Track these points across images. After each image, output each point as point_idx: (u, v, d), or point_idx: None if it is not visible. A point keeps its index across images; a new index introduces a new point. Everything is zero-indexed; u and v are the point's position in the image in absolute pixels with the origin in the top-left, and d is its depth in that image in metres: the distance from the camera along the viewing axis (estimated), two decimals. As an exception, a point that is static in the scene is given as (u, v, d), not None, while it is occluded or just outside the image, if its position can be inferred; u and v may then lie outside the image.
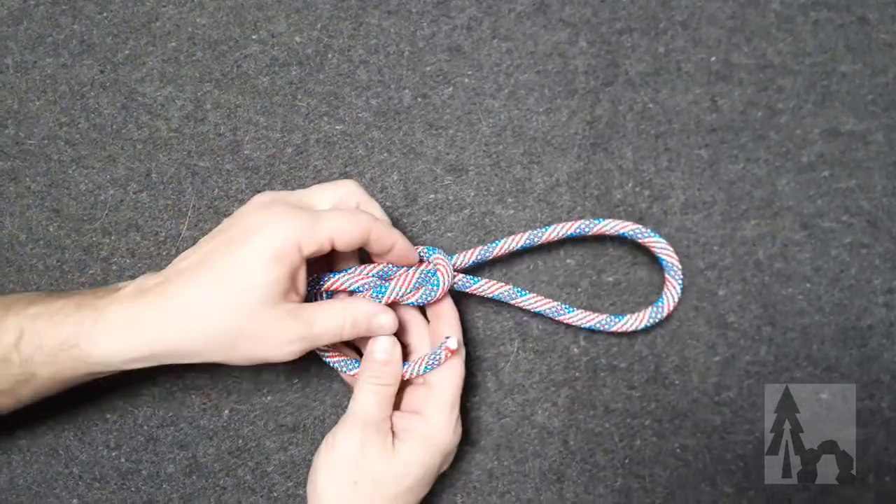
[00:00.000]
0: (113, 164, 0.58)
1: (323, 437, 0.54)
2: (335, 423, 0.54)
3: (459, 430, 0.50)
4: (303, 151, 0.58)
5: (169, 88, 0.59)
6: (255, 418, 0.56)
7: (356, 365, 0.50)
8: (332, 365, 0.51)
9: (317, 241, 0.44)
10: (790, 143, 0.58)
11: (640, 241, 0.53)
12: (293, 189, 0.50)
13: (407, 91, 0.59)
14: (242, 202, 0.55)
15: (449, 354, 0.48)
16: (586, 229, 0.53)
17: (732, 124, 0.58)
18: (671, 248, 0.54)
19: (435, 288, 0.50)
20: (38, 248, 0.57)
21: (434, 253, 0.51)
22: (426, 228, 0.58)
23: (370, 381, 0.48)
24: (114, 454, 0.55)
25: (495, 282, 0.53)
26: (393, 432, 0.48)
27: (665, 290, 0.54)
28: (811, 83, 0.59)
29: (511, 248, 0.53)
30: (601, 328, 0.54)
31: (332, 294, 0.50)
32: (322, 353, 0.51)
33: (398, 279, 0.49)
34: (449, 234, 0.57)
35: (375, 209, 0.50)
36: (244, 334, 0.43)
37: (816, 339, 0.56)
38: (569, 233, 0.53)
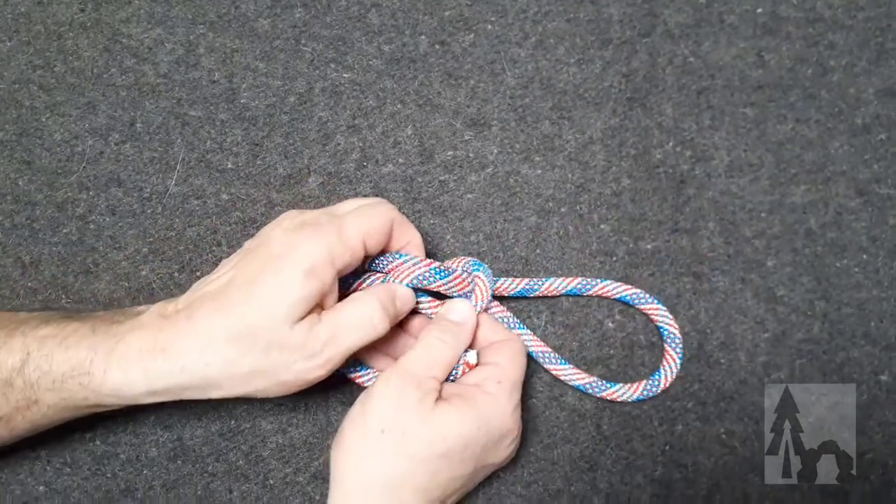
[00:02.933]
0: (92, 111, 0.63)
1: (326, 418, 0.59)
2: (339, 401, 0.59)
3: (519, 422, 0.53)
4: (306, 101, 0.64)
5: (158, 30, 0.65)
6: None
7: (365, 370, 0.57)
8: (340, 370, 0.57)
9: (348, 248, 0.49)
10: (843, 104, 0.65)
11: (638, 307, 0.61)
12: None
13: (423, 37, 0.65)
14: (238, 155, 0.61)
15: (467, 369, 0.54)
16: (584, 288, 0.60)
17: (780, 82, 0.65)
18: (671, 317, 0.60)
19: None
20: (6, 203, 0.62)
21: (478, 269, 0.56)
22: (443, 189, 0.63)
23: (432, 335, 0.52)
24: (87, 436, 0.59)
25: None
26: (441, 397, 0.51)
27: (663, 362, 0.60)
28: (865, 39, 0.66)
29: (556, 290, 0.60)
30: (589, 391, 0.60)
31: None
32: None
33: (440, 284, 0.55)
34: (469, 196, 0.63)
35: (409, 226, 0.55)
36: (267, 358, 0.47)
37: (874, 315, 0.62)
38: (567, 290, 0.60)
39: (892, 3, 0.66)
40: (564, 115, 0.64)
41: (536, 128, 0.64)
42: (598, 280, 0.60)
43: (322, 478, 0.59)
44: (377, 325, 0.50)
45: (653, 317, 0.60)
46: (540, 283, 0.60)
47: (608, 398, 0.60)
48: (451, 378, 0.54)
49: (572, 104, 0.64)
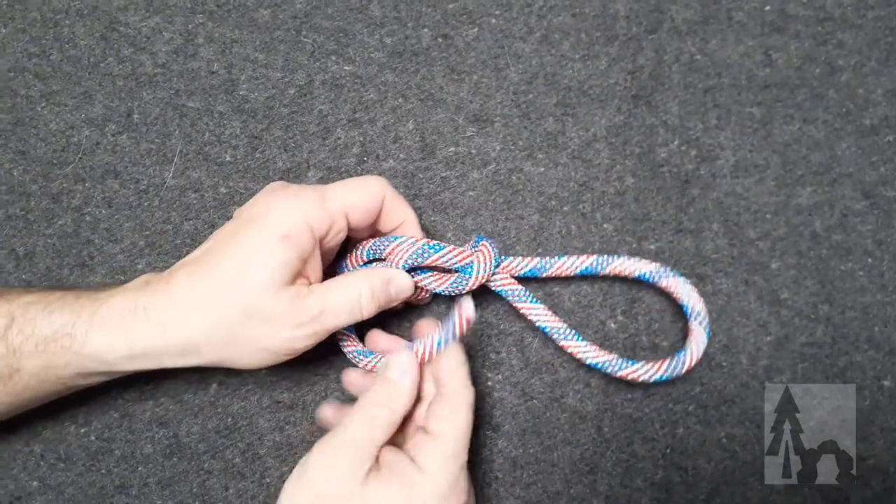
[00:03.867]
0: (89, 101, 0.62)
1: (324, 416, 0.59)
2: (338, 399, 0.59)
3: (465, 486, 0.49)
4: (306, 94, 0.63)
5: (156, 19, 0.64)
6: (248, 393, 0.60)
7: (372, 356, 0.55)
8: (348, 355, 0.56)
9: (329, 215, 0.49)
10: (851, 104, 0.64)
11: (659, 284, 0.57)
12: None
13: (426, 30, 0.64)
14: (236, 148, 0.60)
15: (465, 323, 0.51)
16: (600, 267, 0.57)
17: (788, 81, 0.65)
18: (695, 291, 0.57)
19: (468, 277, 0.54)
20: (0, 194, 0.61)
21: (483, 238, 0.55)
22: (445, 185, 0.62)
23: (367, 400, 0.49)
24: (82, 431, 0.59)
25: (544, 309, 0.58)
26: (377, 467, 0.48)
27: (689, 339, 0.57)
28: (874, 39, 0.65)
29: (570, 269, 0.57)
30: (607, 369, 0.57)
31: None
32: (340, 341, 0.56)
33: (437, 257, 0.54)
34: (470, 193, 0.62)
35: (403, 205, 0.54)
36: (249, 323, 0.47)
37: (878, 319, 0.62)
38: (581, 269, 0.57)
39: (903, 2, 0.65)
40: (568, 112, 0.63)
41: (540, 124, 0.63)
42: (615, 256, 0.57)
43: (319, 477, 0.58)
44: (364, 309, 0.50)
45: (675, 294, 0.57)
46: (551, 262, 0.57)
47: (627, 378, 0.57)
48: (450, 337, 0.51)
49: (577, 101, 0.63)
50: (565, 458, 0.60)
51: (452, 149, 0.62)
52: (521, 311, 0.58)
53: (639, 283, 0.61)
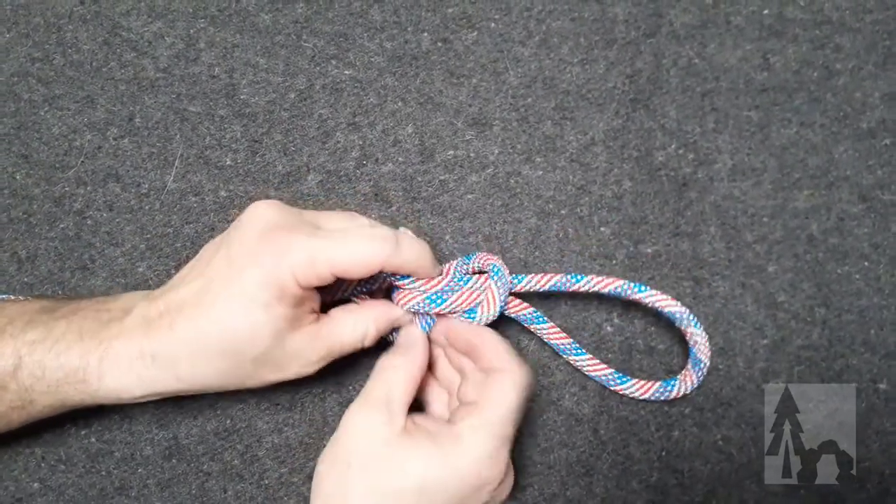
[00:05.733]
0: (91, 105, 0.62)
1: (323, 418, 0.59)
2: (336, 401, 0.59)
3: (503, 463, 0.48)
4: (307, 98, 0.63)
5: (158, 24, 0.64)
6: (246, 396, 0.59)
7: None
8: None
9: (315, 275, 0.46)
10: (848, 108, 0.64)
11: (679, 325, 0.56)
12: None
13: (426, 34, 0.64)
14: (237, 152, 0.60)
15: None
16: (626, 292, 0.55)
17: (785, 85, 0.64)
18: (708, 347, 0.57)
19: (471, 315, 0.54)
20: (3, 197, 0.61)
21: (495, 276, 0.54)
22: (443, 188, 0.62)
23: (386, 363, 0.51)
24: (82, 433, 0.59)
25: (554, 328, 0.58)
26: (409, 430, 0.48)
27: (682, 376, 0.58)
28: (872, 42, 0.65)
29: (590, 287, 0.55)
30: (611, 384, 0.58)
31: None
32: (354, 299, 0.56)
33: (441, 309, 0.54)
34: (469, 196, 0.62)
35: (412, 260, 0.51)
36: (259, 366, 0.48)
37: (875, 322, 0.61)
38: (605, 290, 0.55)
39: (901, 6, 0.65)
40: (567, 116, 0.63)
41: (538, 128, 0.63)
42: (638, 286, 0.55)
43: (317, 478, 0.58)
44: (367, 342, 0.52)
45: (690, 341, 0.57)
46: (569, 282, 0.55)
47: (619, 392, 0.59)
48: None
49: (575, 105, 0.63)
50: (562, 461, 0.59)
51: (451, 152, 0.62)
52: (531, 330, 0.59)
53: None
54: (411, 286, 0.53)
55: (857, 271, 0.62)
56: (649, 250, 0.62)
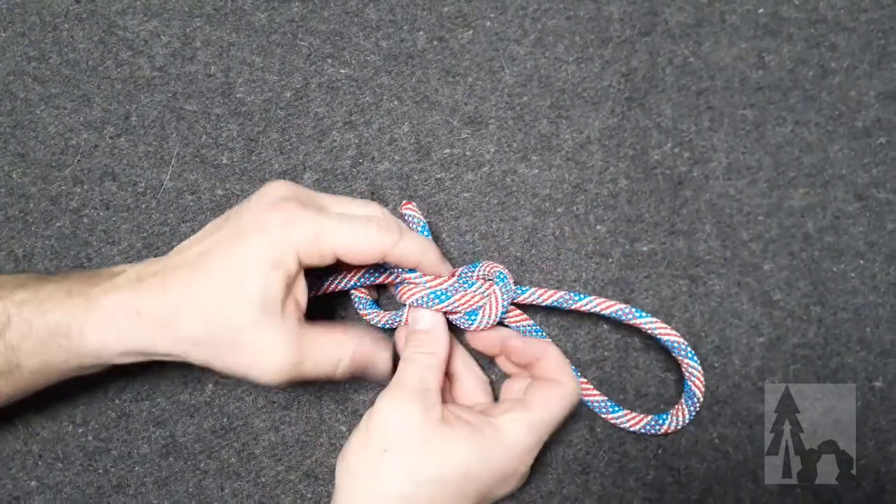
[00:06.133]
0: (87, 104, 0.63)
1: (319, 416, 0.59)
2: (333, 399, 0.59)
3: (530, 463, 0.51)
4: (303, 96, 0.63)
5: (154, 22, 0.64)
6: (243, 394, 0.60)
7: (374, 307, 0.57)
8: (354, 302, 0.57)
9: (318, 253, 0.48)
10: (843, 106, 0.64)
11: (676, 356, 0.56)
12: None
13: (421, 33, 0.64)
14: (233, 151, 0.60)
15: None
16: (627, 316, 0.54)
17: (780, 83, 0.64)
18: (701, 380, 0.56)
19: (472, 317, 0.55)
20: (0, 196, 0.62)
21: (500, 283, 0.54)
22: (439, 187, 0.62)
23: (410, 350, 0.52)
24: (80, 431, 0.59)
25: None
26: (447, 419, 0.49)
27: (674, 412, 0.57)
28: (867, 41, 0.65)
29: (590, 307, 0.55)
30: (600, 411, 0.58)
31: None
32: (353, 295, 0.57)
33: (444, 306, 0.54)
34: (465, 194, 0.62)
35: (415, 250, 0.52)
36: (236, 343, 0.47)
37: (870, 320, 0.62)
38: (606, 312, 0.55)
39: (895, 4, 0.65)
40: (562, 115, 0.63)
41: (534, 126, 0.63)
42: (640, 312, 0.55)
43: (314, 476, 0.59)
44: (339, 372, 0.51)
45: (685, 372, 0.56)
46: (573, 299, 0.55)
47: (609, 421, 0.59)
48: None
49: (571, 103, 0.63)
50: (558, 459, 0.60)
51: (447, 151, 0.62)
52: None
53: (630, 285, 0.61)
54: (417, 280, 0.54)
55: (853, 269, 0.62)
56: (645, 248, 0.62)
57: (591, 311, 0.55)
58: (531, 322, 0.57)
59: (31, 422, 0.59)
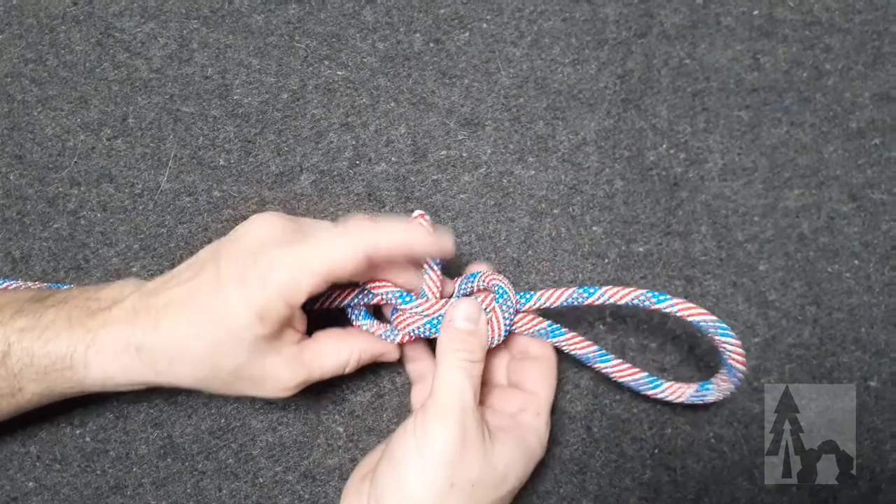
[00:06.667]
0: (84, 106, 0.63)
1: (317, 417, 0.59)
2: (330, 400, 0.59)
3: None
4: (299, 98, 0.63)
5: (151, 24, 0.64)
6: (241, 394, 0.60)
7: (369, 318, 0.55)
8: (349, 314, 0.56)
9: (303, 290, 0.47)
10: (838, 107, 0.65)
11: (708, 334, 0.52)
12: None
13: (418, 35, 0.65)
14: (230, 152, 0.60)
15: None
16: (646, 302, 0.52)
17: (775, 85, 0.65)
18: (742, 352, 0.52)
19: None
20: (-3, 197, 0.62)
21: (500, 300, 0.53)
22: (436, 188, 0.63)
23: (458, 357, 0.48)
24: (77, 432, 0.59)
25: (579, 337, 0.55)
26: (490, 430, 0.49)
27: (716, 381, 0.55)
28: (861, 43, 0.66)
29: (601, 300, 0.53)
30: (641, 388, 0.55)
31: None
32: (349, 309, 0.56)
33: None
34: (462, 196, 0.63)
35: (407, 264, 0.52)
36: (235, 379, 0.49)
37: (865, 320, 0.62)
38: (623, 301, 0.53)
39: (890, 6, 0.66)
40: (559, 116, 0.63)
41: (530, 128, 0.63)
42: (658, 296, 0.52)
43: (311, 476, 0.59)
44: (348, 369, 0.53)
45: (720, 348, 0.52)
46: (583, 295, 0.53)
47: (652, 397, 0.56)
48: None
49: (567, 105, 0.63)
50: (555, 458, 0.60)
51: (444, 152, 0.63)
52: (553, 344, 0.56)
53: (627, 286, 0.61)
54: (412, 308, 0.53)
55: (848, 270, 0.62)
56: (641, 249, 0.62)
57: (606, 303, 0.53)
58: (545, 324, 0.54)
59: (28, 423, 0.59)
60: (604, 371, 0.55)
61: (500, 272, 0.60)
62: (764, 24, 0.65)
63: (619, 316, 0.61)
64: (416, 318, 0.53)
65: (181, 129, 0.62)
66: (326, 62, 0.64)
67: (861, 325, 0.62)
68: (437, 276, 0.54)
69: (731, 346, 0.51)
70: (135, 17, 0.64)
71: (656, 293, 0.52)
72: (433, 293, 0.53)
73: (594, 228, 0.62)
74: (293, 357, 0.50)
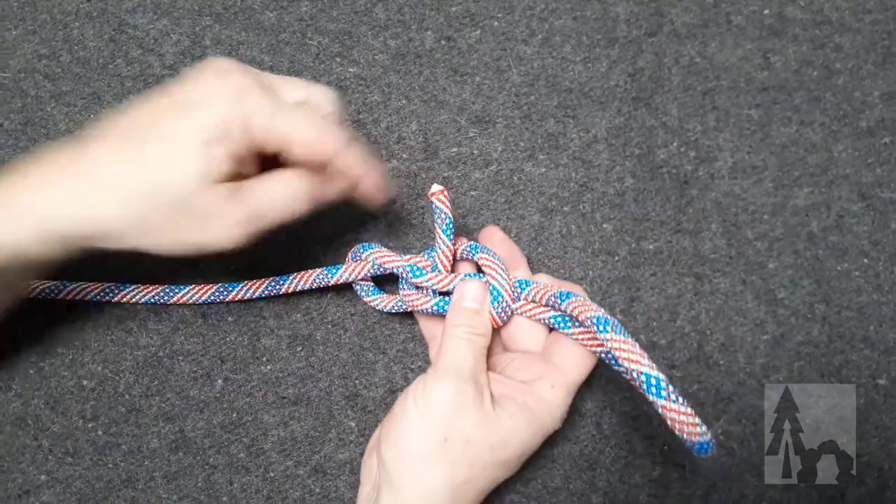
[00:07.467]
0: (98, 102, 0.63)
1: (329, 411, 0.60)
2: (342, 395, 0.60)
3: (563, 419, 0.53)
4: (312, 95, 0.64)
5: (164, 21, 0.65)
6: (253, 389, 0.61)
7: (378, 293, 0.58)
8: (357, 290, 0.58)
9: (270, 133, 0.44)
10: (848, 106, 0.65)
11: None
12: None
13: (430, 32, 0.65)
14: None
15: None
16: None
17: (786, 84, 0.65)
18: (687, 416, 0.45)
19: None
20: (10, 192, 0.62)
21: (496, 301, 0.53)
22: (447, 185, 0.63)
23: (461, 330, 0.50)
24: (90, 426, 0.60)
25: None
26: (495, 398, 0.50)
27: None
28: (871, 42, 0.66)
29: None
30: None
31: None
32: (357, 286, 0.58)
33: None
34: (472, 193, 0.63)
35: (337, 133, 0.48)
36: (173, 218, 0.43)
37: (874, 319, 0.63)
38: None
39: (900, 6, 0.66)
40: (569, 114, 0.64)
41: (541, 126, 0.64)
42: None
43: (322, 471, 0.59)
44: (297, 207, 0.47)
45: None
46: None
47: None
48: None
49: (577, 103, 0.64)
50: (565, 455, 0.60)
51: (455, 149, 0.63)
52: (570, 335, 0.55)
53: (636, 283, 0.62)
54: (422, 281, 0.54)
55: (857, 268, 0.63)
56: (651, 247, 0.63)
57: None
58: (549, 314, 0.54)
59: (41, 417, 0.59)
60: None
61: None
62: (774, 23, 0.66)
63: (629, 313, 0.62)
64: (425, 298, 0.55)
65: (194, 125, 0.63)
66: (338, 59, 0.64)
67: (870, 323, 0.62)
68: (450, 249, 0.55)
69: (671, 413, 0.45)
70: (148, 14, 0.64)
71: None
72: (445, 267, 0.55)
73: (604, 226, 0.63)
74: (236, 187, 0.44)
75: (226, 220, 0.44)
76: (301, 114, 0.46)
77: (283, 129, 0.45)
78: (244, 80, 0.45)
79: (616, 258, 0.63)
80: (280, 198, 0.46)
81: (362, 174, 0.50)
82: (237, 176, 0.45)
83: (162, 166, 0.42)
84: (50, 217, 0.42)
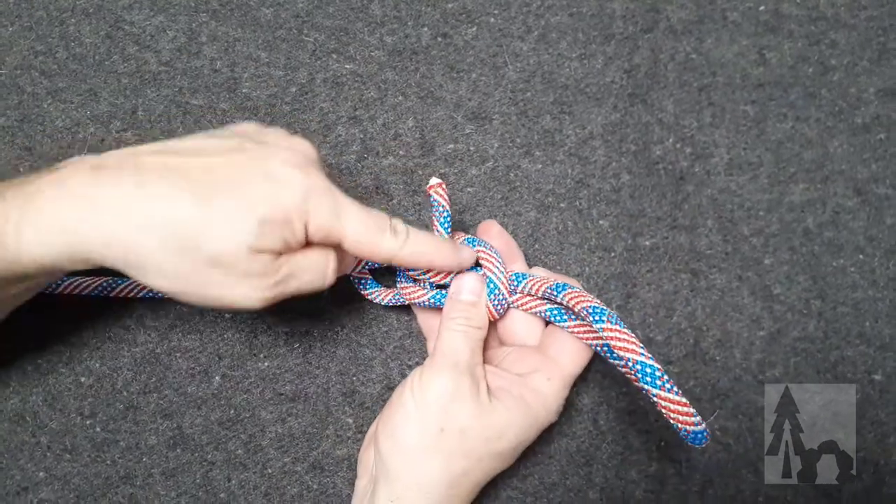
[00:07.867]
0: (94, 98, 0.64)
1: (326, 408, 0.60)
2: (340, 392, 0.60)
3: (560, 412, 0.54)
4: (308, 91, 0.64)
5: (160, 17, 0.65)
6: (250, 386, 0.61)
7: (376, 286, 0.58)
8: (354, 282, 0.59)
9: (327, 232, 0.45)
10: (843, 103, 0.66)
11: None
12: None
13: (426, 29, 0.65)
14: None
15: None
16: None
17: (781, 80, 0.66)
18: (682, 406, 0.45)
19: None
20: (7, 189, 0.62)
21: (493, 294, 0.54)
22: (443, 181, 0.64)
23: (457, 323, 0.51)
24: (88, 423, 0.60)
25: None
26: (492, 390, 0.51)
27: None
28: (867, 38, 0.66)
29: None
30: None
31: None
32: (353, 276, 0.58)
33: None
34: (469, 189, 0.64)
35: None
36: (207, 273, 0.43)
37: (870, 314, 0.63)
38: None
39: (895, 2, 0.66)
40: (565, 110, 0.64)
41: (537, 122, 0.64)
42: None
43: (320, 467, 0.59)
44: (328, 280, 0.48)
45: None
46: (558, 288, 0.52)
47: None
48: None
49: (574, 99, 0.64)
50: (562, 450, 0.61)
51: (451, 146, 0.64)
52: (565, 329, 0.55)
53: (633, 279, 0.62)
54: (420, 273, 0.55)
55: (853, 264, 0.63)
56: (647, 243, 0.63)
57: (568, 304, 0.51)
58: (550, 306, 0.54)
59: (39, 414, 0.60)
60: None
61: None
62: (770, 19, 0.66)
63: (625, 309, 0.62)
64: (422, 290, 0.55)
65: (190, 122, 0.63)
66: (335, 56, 0.64)
67: (866, 319, 0.62)
68: None
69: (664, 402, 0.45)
70: (144, 10, 0.64)
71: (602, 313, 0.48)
72: None
73: (601, 222, 0.63)
74: (275, 260, 0.44)
75: (255, 284, 0.44)
76: (366, 214, 0.47)
77: (343, 230, 0.46)
78: (320, 177, 0.45)
79: (612, 254, 0.63)
80: (311, 271, 0.47)
81: (432, 261, 0.51)
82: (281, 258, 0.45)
83: (214, 227, 0.42)
84: (87, 241, 0.41)
